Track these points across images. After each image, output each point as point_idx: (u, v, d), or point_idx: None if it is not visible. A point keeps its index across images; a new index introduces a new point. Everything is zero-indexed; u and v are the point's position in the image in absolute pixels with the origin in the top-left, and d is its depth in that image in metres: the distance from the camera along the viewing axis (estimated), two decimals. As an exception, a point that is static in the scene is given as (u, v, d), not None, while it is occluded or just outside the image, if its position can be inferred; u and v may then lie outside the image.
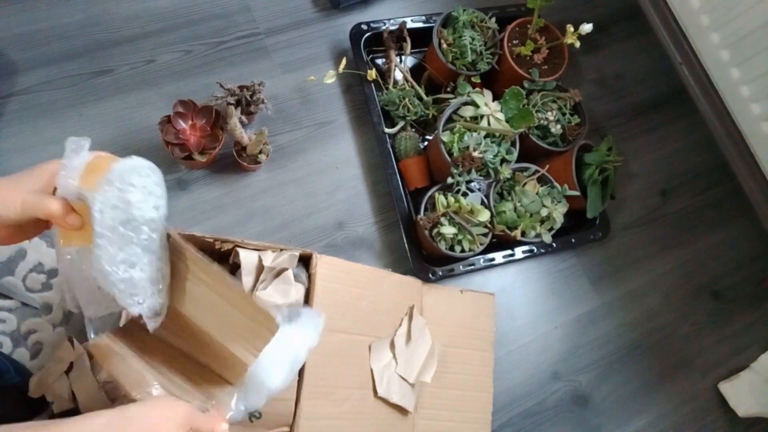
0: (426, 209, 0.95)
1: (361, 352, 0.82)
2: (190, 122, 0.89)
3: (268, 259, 0.75)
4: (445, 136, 0.94)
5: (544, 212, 0.96)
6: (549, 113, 1.01)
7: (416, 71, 1.09)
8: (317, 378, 0.76)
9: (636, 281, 1.11)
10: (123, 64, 1.00)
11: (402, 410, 0.82)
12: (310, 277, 0.80)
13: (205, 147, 0.90)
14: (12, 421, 0.44)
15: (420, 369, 0.84)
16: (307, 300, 0.80)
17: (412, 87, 1.04)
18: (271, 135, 0.99)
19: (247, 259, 0.74)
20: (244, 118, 0.93)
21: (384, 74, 1.06)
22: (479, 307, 0.95)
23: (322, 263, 0.80)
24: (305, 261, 0.82)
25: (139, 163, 0.51)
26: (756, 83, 1.09)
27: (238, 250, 0.75)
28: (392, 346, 0.84)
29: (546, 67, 1.05)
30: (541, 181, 0.99)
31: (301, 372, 0.75)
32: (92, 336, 0.69)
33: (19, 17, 0.98)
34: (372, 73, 1.02)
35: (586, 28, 0.95)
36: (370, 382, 0.81)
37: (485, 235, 0.93)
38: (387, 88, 1.04)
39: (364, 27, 1.07)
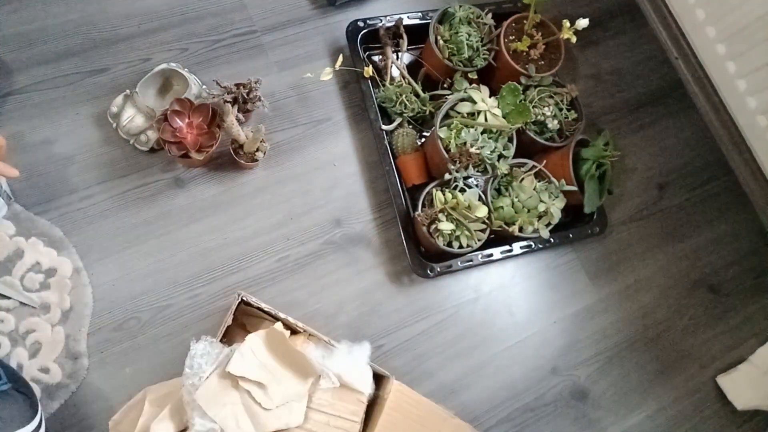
0: (424, 205, 0.95)
1: None
2: (186, 120, 0.89)
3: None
4: (443, 133, 0.94)
5: (541, 207, 0.96)
6: (546, 109, 1.02)
7: (413, 68, 1.09)
8: None
9: (634, 276, 1.11)
10: (119, 62, 1.00)
11: None
12: (376, 397, 0.78)
13: (202, 145, 0.90)
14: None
15: None
16: (367, 417, 0.78)
17: (409, 83, 1.04)
18: (267, 132, 0.99)
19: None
20: (240, 115, 0.93)
21: (381, 71, 1.06)
22: None
23: (396, 392, 0.78)
24: (375, 376, 0.80)
25: None
26: (752, 77, 1.09)
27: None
28: None
29: (542, 62, 1.05)
30: (539, 176, 0.99)
31: None
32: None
33: (14, 17, 0.98)
34: (369, 70, 1.02)
35: (582, 23, 0.95)
36: None
37: (483, 230, 0.94)
38: (384, 85, 1.04)
39: (361, 24, 1.07)
